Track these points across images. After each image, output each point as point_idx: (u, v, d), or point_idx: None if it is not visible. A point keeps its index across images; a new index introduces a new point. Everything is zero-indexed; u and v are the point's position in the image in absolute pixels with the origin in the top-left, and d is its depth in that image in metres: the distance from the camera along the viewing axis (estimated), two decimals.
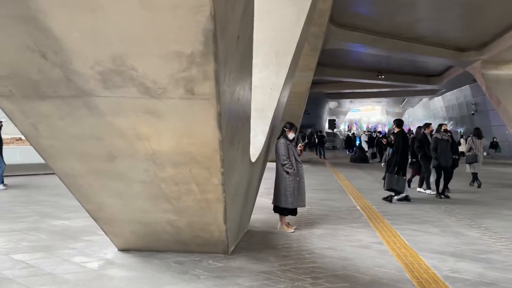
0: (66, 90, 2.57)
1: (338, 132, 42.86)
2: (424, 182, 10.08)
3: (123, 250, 4.84)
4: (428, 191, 9.79)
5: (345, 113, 53.48)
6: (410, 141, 9.87)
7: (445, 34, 19.21)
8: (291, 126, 6.09)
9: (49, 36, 2.20)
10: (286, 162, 5.78)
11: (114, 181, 3.52)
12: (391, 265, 4.47)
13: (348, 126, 53.31)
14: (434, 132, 9.72)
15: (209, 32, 2.11)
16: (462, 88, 31.61)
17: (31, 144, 3.11)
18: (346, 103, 48.61)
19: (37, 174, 12.79)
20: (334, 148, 35.24)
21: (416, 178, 10.53)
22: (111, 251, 4.84)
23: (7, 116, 2.81)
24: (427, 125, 10.13)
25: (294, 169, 5.80)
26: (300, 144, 6.43)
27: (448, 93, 35.21)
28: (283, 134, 6.04)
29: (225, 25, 2.29)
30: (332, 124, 40.14)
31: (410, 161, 10.14)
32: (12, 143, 23.30)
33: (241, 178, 4.34)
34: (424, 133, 9.88)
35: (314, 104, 37.68)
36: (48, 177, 12.44)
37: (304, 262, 4.53)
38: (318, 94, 35.59)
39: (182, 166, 3.23)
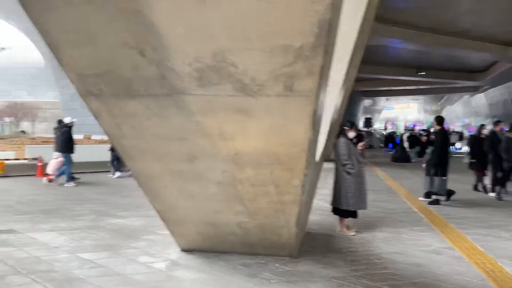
0: (158, 89, 2.49)
1: (373, 131, 41.92)
2: (490, 184, 9.44)
3: (186, 250, 4.78)
4: (492, 194, 9.18)
5: (379, 111, 52.26)
6: (472, 140, 9.33)
7: (490, 28, 18.33)
8: (352, 125, 5.87)
9: (151, 31, 2.11)
10: (347, 162, 5.56)
11: (190, 182, 3.44)
12: (471, 273, 4.19)
13: (384, 125, 52.00)
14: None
15: (325, 22, 1.96)
16: (507, 84, 30.16)
17: (112, 144, 3.06)
18: (381, 101, 47.49)
19: (84, 172, 13.02)
20: (370, 147, 34.43)
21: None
22: (174, 251, 4.80)
23: (94, 115, 2.77)
24: (497, 123, 9.46)
25: (355, 170, 5.58)
26: (361, 143, 6.19)
27: (491, 89, 33.71)
28: (342, 132, 5.83)
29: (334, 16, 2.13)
30: (368, 122, 39.26)
31: (469, 161, 9.63)
32: (52, 142, 24.14)
33: (311, 179, 4.18)
34: (494, 132, 9.22)
35: (349, 102, 36.97)
36: (95, 175, 12.71)
37: (376, 268, 4.32)
38: (353, 91, 34.89)
39: (263, 167, 3.11)
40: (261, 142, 2.89)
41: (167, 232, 5.62)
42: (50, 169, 10.59)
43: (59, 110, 43.35)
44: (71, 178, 10.43)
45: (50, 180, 10.45)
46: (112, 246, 5.03)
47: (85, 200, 8.34)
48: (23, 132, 47.29)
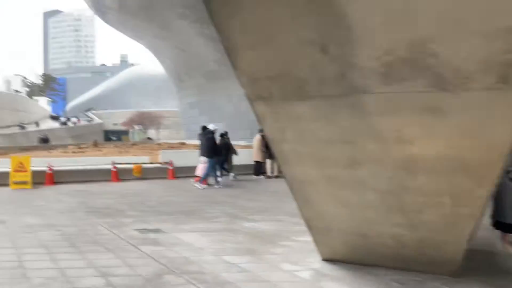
0: (334, 89, 2.31)
1: None
2: None
3: (327, 260, 4.55)
4: None
5: None
6: None
7: None
8: None
9: (340, 25, 1.93)
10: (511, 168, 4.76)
11: (347, 189, 3.20)
12: None
13: None
14: None
15: None
16: None
17: (272, 148, 2.99)
18: None
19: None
20: None
21: None
22: (315, 260, 4.59)
23: (258, 119, 2.71)
24: None
25: None
26: None
27: None
28: None
29: None
30: None
31: None
32: (176, 147, 26.22)
33: None
34: None
35: None
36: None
37: None
38: None
39: (441, 175, 2.71)
40: (444, 145, 2.51)
41: (304, 238, 5.47)
42: (198, 172, 11.37)
43: (178, 119, 47.30)
44: (202, 181, 11.06)
45: (201, 182, 11.23)
46: (252, 250, 5.03)
47: (216, 203, 8.70)
48: (149, 138, 52.72)
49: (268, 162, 13.61)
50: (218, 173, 12.52)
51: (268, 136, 2.86)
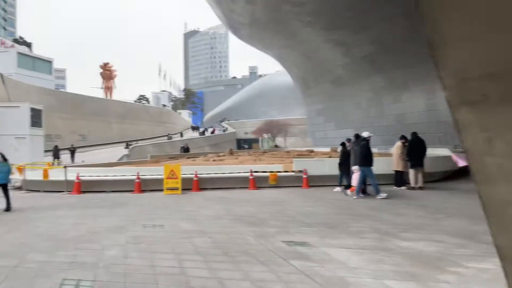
0: None
1: None
2: None
3: None
4: None
5: None
6: None
7: None
8: None
9: None
10: None
11: None
12: None
13: None
14: None
15: None
16: None
17: (468, 162, 2.46)
18: None
19: (332, 185, 13.04)
20: None
21: None
22: None
23: (457, 127, 2.24)
24: None
25: None
26: None
27: None
28: None
29: None
30: None
31: None
32: (306, 155, 26.09)
33: None
34: None
35: None
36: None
37: None
38: None
39: None
40: None
41: (476, 265, 4.71)
42: (354, 182, 11.13)
43: (304, 126, 47.51)
44: (378, 191, 10.62)
45: (358, 192, 10.94)
46: (415, 275, 4.43)
47: (359, 215, 8.17)
48: (276, 146, 54.20)
49: (412, 172, 12.41)
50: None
51: (468, 147, 2.34)
